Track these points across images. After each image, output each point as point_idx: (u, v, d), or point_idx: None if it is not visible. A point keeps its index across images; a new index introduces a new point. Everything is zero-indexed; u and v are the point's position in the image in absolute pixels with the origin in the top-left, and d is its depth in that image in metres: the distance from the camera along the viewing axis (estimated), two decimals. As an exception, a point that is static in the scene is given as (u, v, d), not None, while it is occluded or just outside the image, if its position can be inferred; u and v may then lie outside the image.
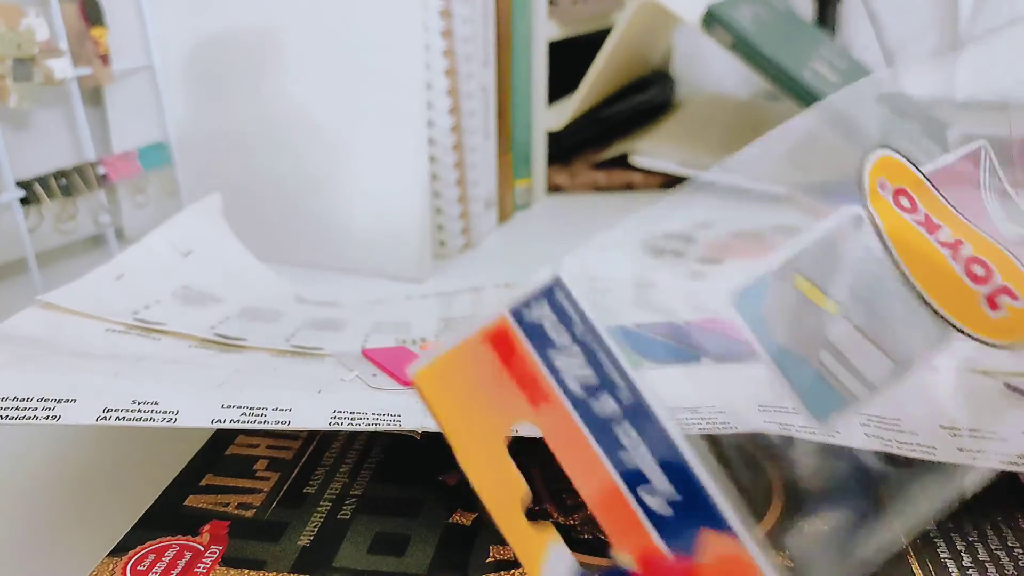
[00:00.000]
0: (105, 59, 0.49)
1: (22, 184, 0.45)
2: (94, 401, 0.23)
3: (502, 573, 0.23)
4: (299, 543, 0.24)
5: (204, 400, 0.24)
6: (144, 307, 0.35)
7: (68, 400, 0.23)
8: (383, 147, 0.48)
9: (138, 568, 0.23)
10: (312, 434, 0.29)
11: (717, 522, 0.17)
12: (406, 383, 0.28)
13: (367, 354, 0.32)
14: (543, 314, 0.18)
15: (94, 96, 0.54)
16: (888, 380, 0.22)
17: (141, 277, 0.37)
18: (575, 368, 0.18)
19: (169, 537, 0.24)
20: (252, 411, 0.23)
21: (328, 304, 0.43)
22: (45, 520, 0.28)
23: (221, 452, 0.28)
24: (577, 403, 0.18)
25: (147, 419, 0.22)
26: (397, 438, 0.29)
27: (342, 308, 0.42)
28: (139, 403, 0.23)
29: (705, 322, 0.36)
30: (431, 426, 0.24)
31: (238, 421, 0.23)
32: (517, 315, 0.18)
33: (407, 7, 0.45)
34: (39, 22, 0.44)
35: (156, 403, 0.23)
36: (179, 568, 0.23)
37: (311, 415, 0.24)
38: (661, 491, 0.17)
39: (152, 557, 0.23)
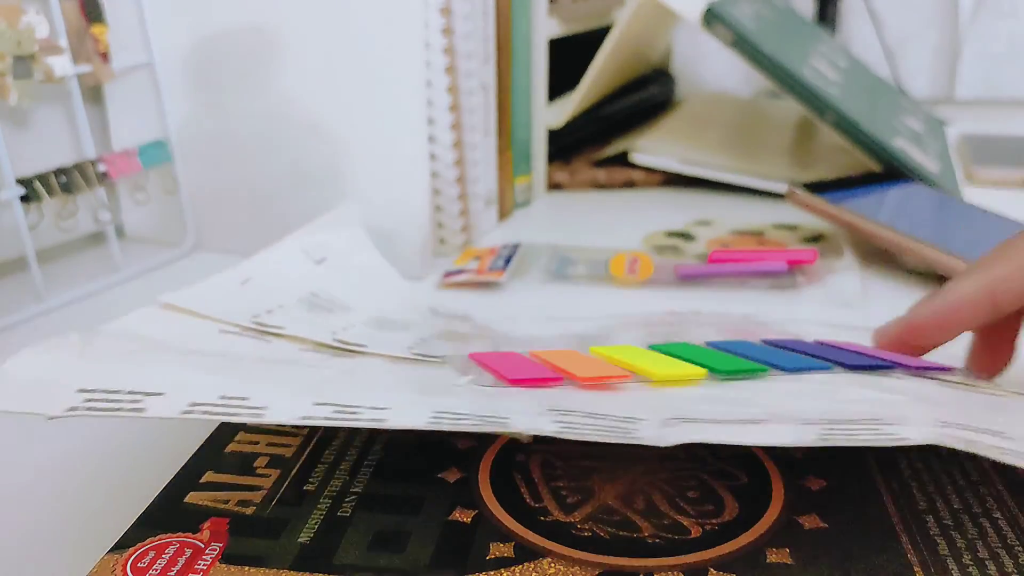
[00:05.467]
0: (105, 57, 0.49)
1: (22, 182, 0.45)
2: (181, 395, 0.22)
3: (503, 571, 0.23)
4: (299, 540, 0.24)
5: (296, 397, 0.23)
6: (266, 311, 0.34)
7: (155, 393, 0.22)
8: (383, 144, 0.48)
9: (138, 565, 0.23)
10: (312, 431, 0.29)
11: None
12: (513, 381, 0.27)
13: (474, 357, 0.31)
14: None
15: (94, 94, 0.54)
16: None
17: (268, 282, 0.36)
18: None
19: (169, 534, 0.24)
20: (345, 409, 0.22)
21: (461, 318, 0.42)
22: (46, 517, 0.28)
23: (221, 449, 0.28)
24: None
25: (232, 414, 0.22)
26: (397, 435, 0.29)
27: (474, 322, 0.41)
28: (226, 398, 0.22)
29: (838, 343, 0.33)
30: (544, 428, 0.22)
31: (329, 419, 0.22)
32: None
33: (407, 4, 0.45)
34: (39, 20, 0.44)
35: (244, 399, 0.22)
36: (179, 565, 0.23)
37: (409, 414, 0.22)
38: None
39: (152, 554, 0.23)
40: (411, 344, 0.34)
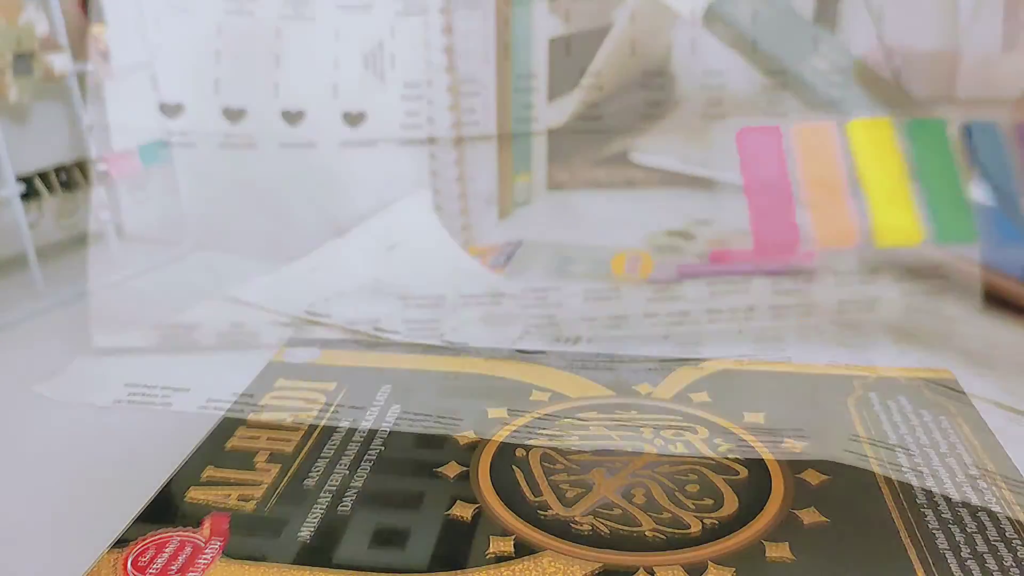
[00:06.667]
0: (105, 55, 0.49)
1: (23, 179, 0.45)
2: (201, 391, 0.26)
3: (502, 566, 0.23)
4: (300, 537, 0.24)
5: None
6: (323, 299, 0.36)
7: (182, 389, 0.27)
8: (383, 144, 0.48)
9: (139, 562, 0.23)
10: (312, 426, 0.29)
11: None
12: (761, 259, 0.28)
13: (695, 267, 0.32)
14: None
15: (94, 92, 0.54)
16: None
17: (334, 271, 0.38)
18: None
19: (170, 530, 0.24)
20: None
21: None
22: (46, 514, 0.28)
23: (222, 445, 0.28)
24: None
25: (239, 410, 0.25)
26: (397, 430, 0.29)
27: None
28: (235, 394, 0.26)
29: None
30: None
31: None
32: None
33: (407, 3, 0.45)
34: (39, 17, 0.44)
35: (251, 396, 0.26)
36: (180, 562, 0.23)
37: None
38: None
39: (153, 551, 0.23)
40: (445, 332, 0.35)
